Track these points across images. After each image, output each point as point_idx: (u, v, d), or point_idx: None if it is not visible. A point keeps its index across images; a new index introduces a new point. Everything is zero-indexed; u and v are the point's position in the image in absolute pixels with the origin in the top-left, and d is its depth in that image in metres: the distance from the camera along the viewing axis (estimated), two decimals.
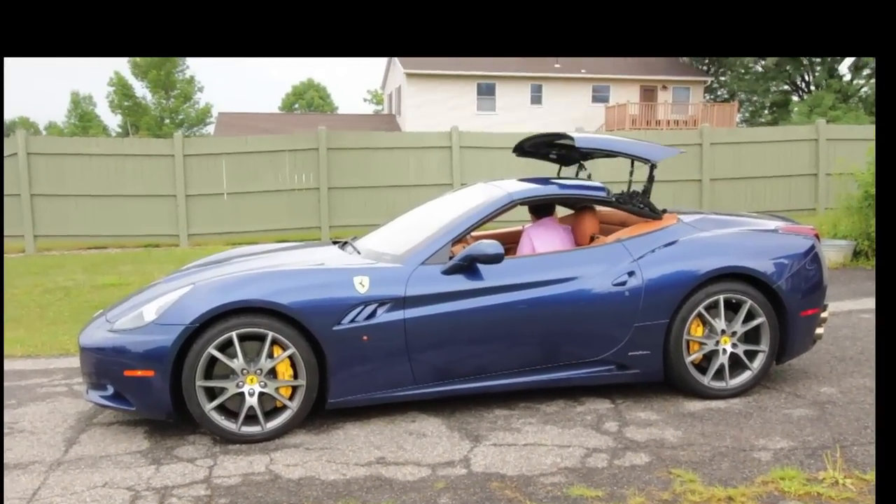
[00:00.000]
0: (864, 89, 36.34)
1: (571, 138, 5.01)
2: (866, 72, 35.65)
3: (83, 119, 57.52)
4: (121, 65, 50.30)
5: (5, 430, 4.33)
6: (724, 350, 4.62)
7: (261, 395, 4.10)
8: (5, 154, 13.21)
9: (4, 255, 11.39)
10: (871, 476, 3.50)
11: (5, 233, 12.79)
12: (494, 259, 4.30)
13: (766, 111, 40.44)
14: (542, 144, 5.57)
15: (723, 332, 4.60)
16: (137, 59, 49.48)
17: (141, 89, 52.39)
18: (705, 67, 39.14)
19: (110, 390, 4.16)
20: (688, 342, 4.57)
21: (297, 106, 60.42)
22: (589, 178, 5.70)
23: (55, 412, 4.70)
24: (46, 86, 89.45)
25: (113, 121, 65.12)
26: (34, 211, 13.49)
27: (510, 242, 5.51)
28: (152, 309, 4.14)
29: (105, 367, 4.15)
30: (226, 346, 4.04)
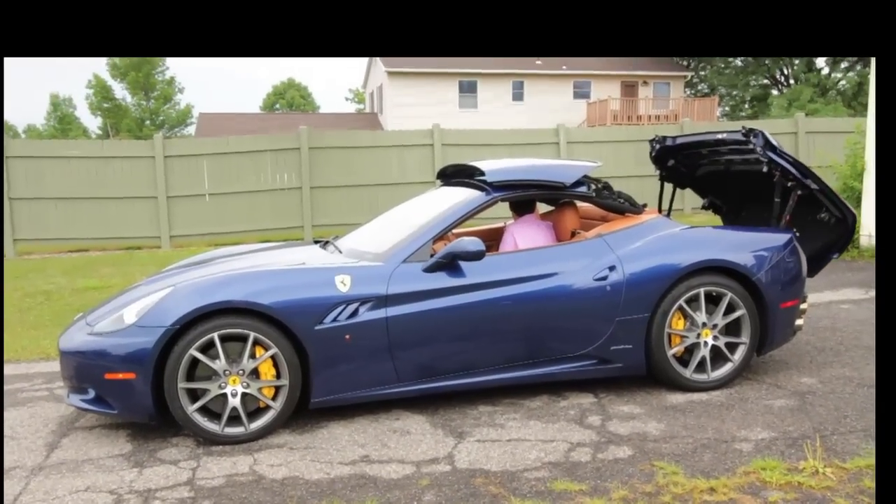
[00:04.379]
0: (842, 83, 36.69)
1: (483, 172, 4.92)
2: (844, 65, 35.99)
3: (63, 121, 57.00)
4: (99, 66, 49.95)
5: None
6: (706, 343, 4.65)
7: (244, 395, 4.08)
8: None
9: None
10: (850, 465, 3.54)
11: None
12: (476, 256, 4.30)
13: (746, 105, 40.74)
14: (462, 173, 5.46)
15: (704, 324, 4.63)
16: (116, 60, 49.10)
17: (120, 91, 52.05)
18: (685, 62, 39.33)
19: (91, 394, 4.13)
20: (669, 335, 4.59)
21: (278, 106, 60.12)
22: None
23: (36, 417, 4.66)
24: (25, 88, 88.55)
25: (93, 123, 64.70)
26: (13, 214, 13.37)
27: (492, 239, 5.52)
28: (133, 311, 4.11)
29: (86, 370, 4.12)
30: (208, 348, 4.02)
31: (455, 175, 5.53)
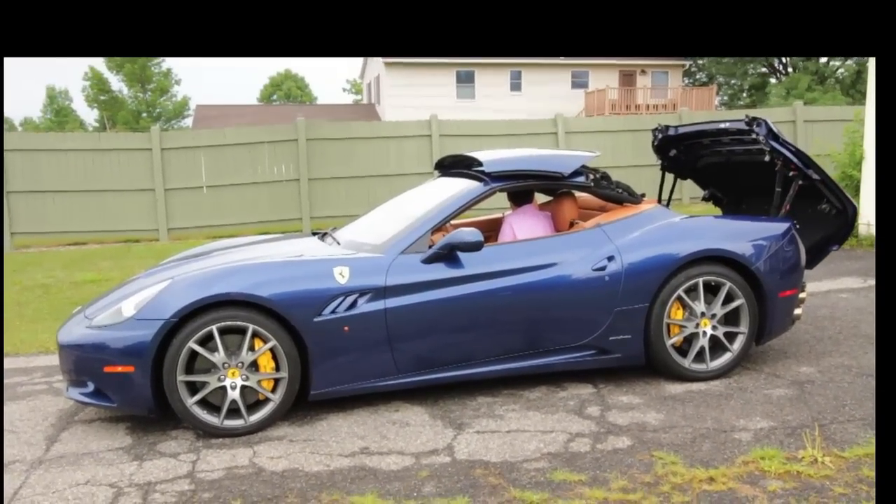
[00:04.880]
0: (841, 71, 36.64)
1: (481, 163, 4.88)
2: None
3: (59, 114, 56.84)
4: (96, 60, 49.72)
5: None
6: (704, 332, 4.65)
7: (243, 388, 4.08)
8: None
9: None
10: (849, 453, 3.55)
11: None
12: (474, 247, 4.29)
13: (744, 94, 40.67)
14: (460, 163, 5.42)
15: (702, 314, 4.63)
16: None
17: (117, 83, 51.88)
18: None
19: (91, 387, 4.13)
20: (668, 325, 4.59)
21: (275, 97, 60.00)
22: None
23: (35, 410, 4.66)
24: (21, 81, 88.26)
25: (89, 115, 64.41)
26: (10, 208, 13.34)
27: (490, 230, 5.51)
28: (131, 304, 4.10)
29: (85, 363, 4.12)
30: (206, 340, 4.01)
31: (453, 166, 5.52)
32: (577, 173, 4.96)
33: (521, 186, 4.96)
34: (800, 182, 4.99)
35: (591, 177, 5.02)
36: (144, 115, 51.89)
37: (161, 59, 51.97)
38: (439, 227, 4.64)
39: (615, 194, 4.98)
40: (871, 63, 9.82)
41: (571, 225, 5.06)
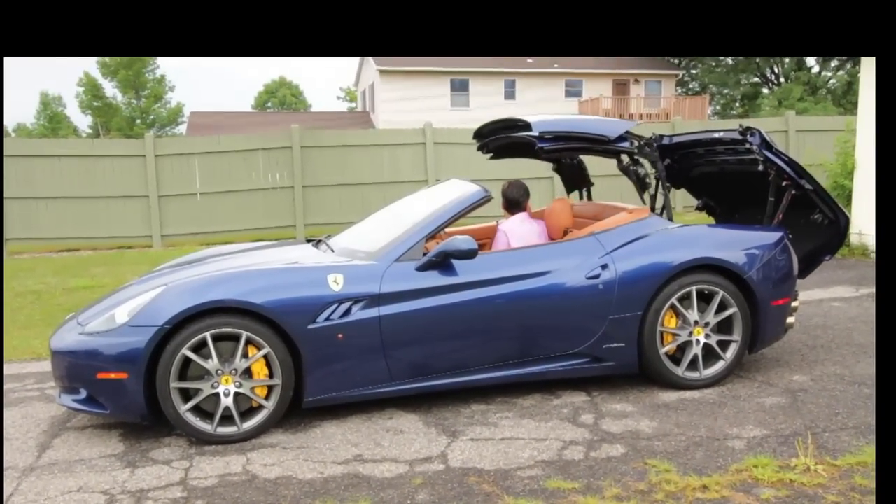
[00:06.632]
0: (832, 81, 36.87)
1: (529, 125, 4.94)
2: (834, 63, 36.17)
3: (53, 120, 56.68)
4: (90, 65, 49.76)
5: None
6: (698, 341, 4.67)
7: (236, 395, 4.07)
8: None
9: None
10: (842, 462, 3.56)
11: None
12: (468, 254, 4.30)
13: (736, 104, 40.89)
14: (502, 129, 5.46)
15: (696, 322, 4.64)
16: (106, 59, 48.90)
17: (111, 89, 51.85)
18: (677, 61, 39.42)
19: (83, 394, 4.11)
20: (662, 334, 4.60)
21: (269, 104, 60.03)
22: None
23: (27, 417, 4.64)
24: (15, 87, 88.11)
25: (83, 121, 64.29)
26: (3, 214, 13.28)
27: (484, 238, 5.52)
28: (125, 311, 4.09)
29: (77, 370, 4.10)
30: (200, 347, 4.00)
31: (493, 133, 5.52)
32: (621, 138, 5.01)
33: (568, 148, 5.04)
34: (793, 192, 5.01)
35: (635, 143, 5.08)
36: (138, 121, 51.86)
37: (155, 65, 52.02)
38: (434, 235, 4.64)
39: (642, 179, 5.17)
40: (864, 70, 9.88)
41: (565, 233, 5.07)
